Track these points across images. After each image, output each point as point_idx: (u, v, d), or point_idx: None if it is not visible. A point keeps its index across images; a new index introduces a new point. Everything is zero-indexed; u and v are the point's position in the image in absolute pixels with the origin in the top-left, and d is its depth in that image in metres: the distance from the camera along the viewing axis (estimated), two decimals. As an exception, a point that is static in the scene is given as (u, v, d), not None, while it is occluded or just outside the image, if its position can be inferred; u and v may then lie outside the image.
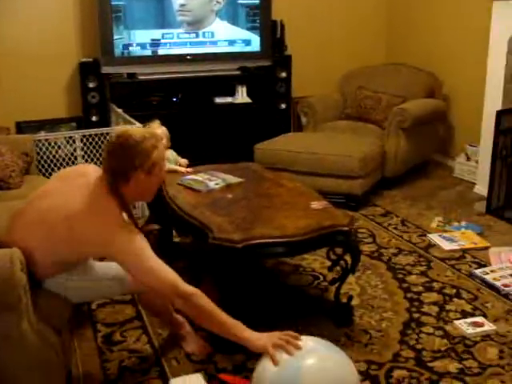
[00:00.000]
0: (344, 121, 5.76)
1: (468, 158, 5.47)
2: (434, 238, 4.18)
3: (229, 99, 5.90)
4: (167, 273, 2.33)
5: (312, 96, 5.98)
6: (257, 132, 5.69)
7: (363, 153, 4.77)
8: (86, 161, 4.43)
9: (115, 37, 5.32)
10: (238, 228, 2.87)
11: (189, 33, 5.65)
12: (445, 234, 4.22)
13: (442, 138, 5.90)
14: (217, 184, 3.53)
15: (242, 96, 5.92)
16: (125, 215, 2.39)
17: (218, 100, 5.86)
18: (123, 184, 2.36)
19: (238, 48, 5.85)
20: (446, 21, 5.83)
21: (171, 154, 4.04)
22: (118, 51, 5.40)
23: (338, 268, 3.18)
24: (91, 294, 2.67)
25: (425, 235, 4.25)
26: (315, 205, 3.18)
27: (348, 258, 3.07)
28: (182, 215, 3.19)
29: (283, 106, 6.14)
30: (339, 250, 3.11)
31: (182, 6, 5.53)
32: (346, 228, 2.95)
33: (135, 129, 2.50)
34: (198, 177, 3.65)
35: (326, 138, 5.25)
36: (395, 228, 4.41)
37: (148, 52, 5.55)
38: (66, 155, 4.48)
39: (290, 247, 2.88)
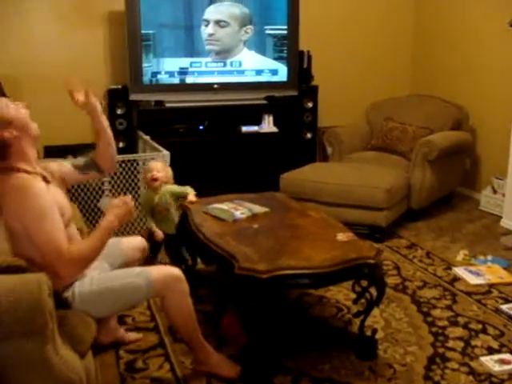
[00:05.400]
0: (370, 151, 5.74)
1: (494, 191, 5.44)
2: (460, 271, 4.14)
3: (255, 128, 5.91)
4: (59, 238, 2.40)
5: (338, 126, 6.00)
6: (282, 161, 5.70)
7: (389, 184, 4.74)
8: (113, 186, 4.46)
9: (144, 64, 5.39)
10: (263, 258, 2.86)
11: (217, 62, 5.70)
12: (470, 268, 4.18)
13: (468, 170, 5.88)
14: (242, 213, 3.53)
15: (268, 125, 5.94)
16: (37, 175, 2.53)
17: (245, 129, 5.87)
18: (10, 155, 2.50)
19: (265, 77, 5.89)
20: (472, 53, 5.83)
21: (174, 188, 4.10)
22: (146, 79, 5.46)
23: (363, 300, 3.16)
24: (118, 300, 2.64)
25: (450, 268, 4.21)
26: (341, 236, 3.17)
27: (373, 290, 3.05)
28: (207, 244, 3.19)
29: (309, 135, 6.16)
30: (364, 283, 3.08)
31: (211, 35, 5.59)
32: (371, 261, 2.93)
33: None
34: (224, 206, 3.65)
35: (351, 168, 5.23)
36: (420, 260, 4.38)
37: (176, 80, 5.60)
38: (94, 180, 4.50)
39: (316, 279, 2.86)
